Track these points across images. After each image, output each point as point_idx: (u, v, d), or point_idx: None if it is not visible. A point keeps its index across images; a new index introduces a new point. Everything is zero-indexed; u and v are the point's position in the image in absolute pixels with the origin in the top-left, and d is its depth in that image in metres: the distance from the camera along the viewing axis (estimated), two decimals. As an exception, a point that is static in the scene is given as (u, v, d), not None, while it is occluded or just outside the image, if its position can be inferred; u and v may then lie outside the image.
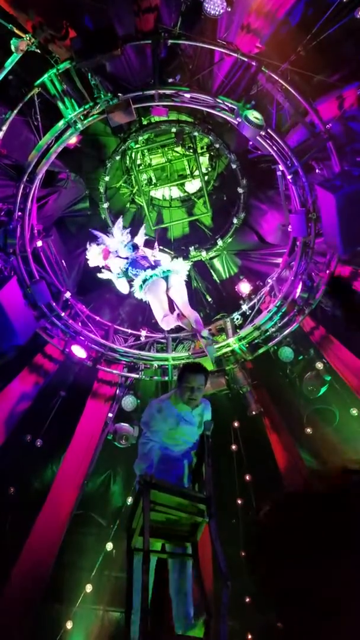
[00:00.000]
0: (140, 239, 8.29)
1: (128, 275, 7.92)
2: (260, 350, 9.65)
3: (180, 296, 7.50)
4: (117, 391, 9.93)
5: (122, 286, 8.17)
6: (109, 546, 8.88)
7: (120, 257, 8.01)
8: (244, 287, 10.21)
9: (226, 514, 8.76)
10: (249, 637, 8.71)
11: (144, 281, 7.49)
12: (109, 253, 8.08)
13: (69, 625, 8.80)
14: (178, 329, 9.92)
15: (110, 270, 8.15)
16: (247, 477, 9.14)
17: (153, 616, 4.09)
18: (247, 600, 8.28)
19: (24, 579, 8.40)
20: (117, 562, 8.45)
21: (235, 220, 10.17)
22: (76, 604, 8.88)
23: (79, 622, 8.91)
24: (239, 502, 9.00)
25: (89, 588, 8.85)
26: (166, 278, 7.51)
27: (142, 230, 8.46)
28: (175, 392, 4.84)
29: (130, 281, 7.89)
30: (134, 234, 8.39)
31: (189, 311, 7.43)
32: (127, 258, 7.95)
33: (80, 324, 9.62)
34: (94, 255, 8.22)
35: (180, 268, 7.70)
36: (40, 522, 8.67)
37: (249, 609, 8.68)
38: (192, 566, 4.24)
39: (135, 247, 8.08)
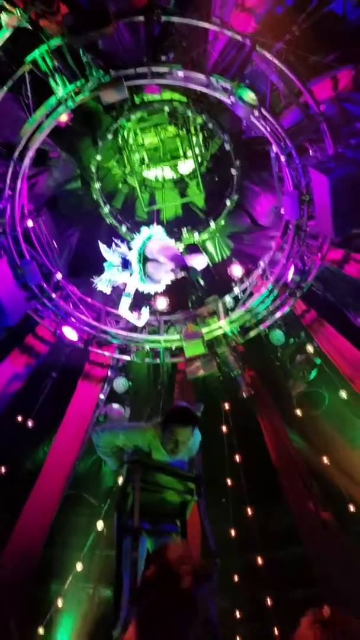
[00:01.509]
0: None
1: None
2: (252, 334, 9.68)
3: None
4: (109, 373, 9.95)
5: (124, 304, 8.17)
6: (100, 525, 8.95)
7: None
8: (236, 270, 10.19)
9: (216, 493, 8.87)
10: (238, 614, 8.87)
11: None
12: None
13: (59, 603, 8.90)
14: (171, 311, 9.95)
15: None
16: (237, 458, 9.23)
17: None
18: (236, 578, 8.44)
19: (15, 558, 8.48)
20: (108, 541, 8.52)
21: (228, 202, 10.11)
22: (67, 582, 8.97)
23: (70, 600, 9.01)
24: (229, 482, 9.10)
25: (79, 566, 8.94)
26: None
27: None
28: (156, 429, 4.37)
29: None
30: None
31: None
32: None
33: (71, 305, 9.58)
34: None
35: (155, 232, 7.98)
36: (32, 501, 8.73)
37: (238, 586, 8.84)
38: None
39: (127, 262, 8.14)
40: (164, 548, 2.31)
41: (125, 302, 8.15)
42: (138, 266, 7.86)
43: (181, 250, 9.14)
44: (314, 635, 2.36)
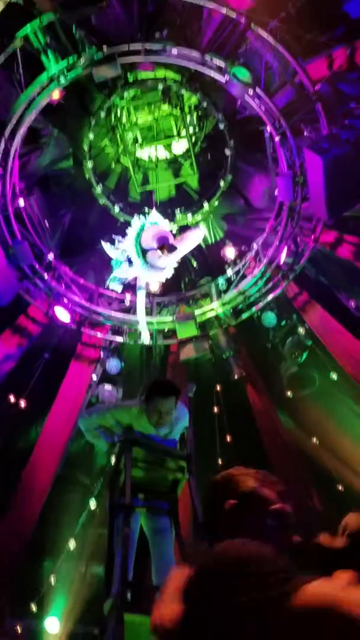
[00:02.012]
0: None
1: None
2: (244, 316, 9.70)
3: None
4: (101, 354, 9.95)
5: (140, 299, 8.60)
6: (93, 504, 9.03)
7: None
8: (229, 252, 10.17)
9: (207, 473, 8.95)
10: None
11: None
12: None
13: (52, 580, 9.01)
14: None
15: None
16: (228, 438, 9.32)
17: (134, 570, 4.21)
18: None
19: (7, 536, 8.56)
20: (101, 519, 8.61)
21: (222, 183, 10.04)
22: (59, 560, 9.07)
23: (63, 577, 9.12)
24: (220, 461, 9.18)
25: (72, 544, 9.03)
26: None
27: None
28: (141, 406, 4.54)
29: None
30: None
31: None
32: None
33: (64, 286, 9.54)
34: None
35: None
36: (25, 480, 8.79)
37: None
38: (171, 521, 4.34)
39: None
40: None
41: (141, 296, 8.23)
42: (139, 259, 7.89)
43: (174, 231, 9.13)
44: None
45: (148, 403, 4.44)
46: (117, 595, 3.63)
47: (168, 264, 8.15)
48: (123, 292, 10.15)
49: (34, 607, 8.89)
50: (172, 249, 7.58)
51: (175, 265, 8.36)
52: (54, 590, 9.08)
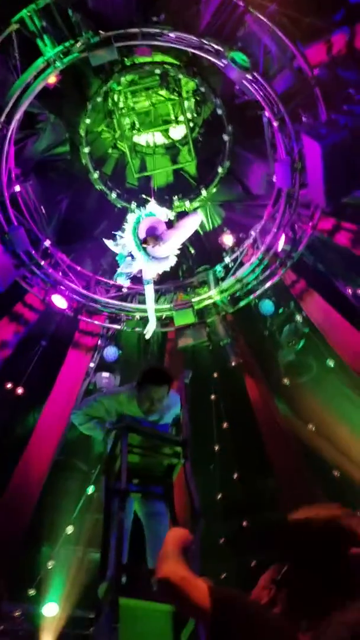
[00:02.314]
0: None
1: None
2: (242, 303, 9.70)
3: None
4: (99, 342, 9.95)
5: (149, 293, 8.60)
6: (90, 490, 9.07)
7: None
8: (227, 239, 10.14)
9: (204, 459, 9.00)
10: (223, 576, 9.10)
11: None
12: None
13: (50, 565, 9.08)
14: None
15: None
16: (225, 425, 9.35)
17: (129, 555, 4.23)
18: (222, 541, 8.63)
19: (5, 522, 8.61)
20: (98, 505, 8.65)
21: (220, 169, 9.97)
22: (57, 545, 9.14)
23: (60, 562, 9.18)
24: (217, 448, 9.23)
25: (69, 529, 9.09)
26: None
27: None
28: (132, 393, 4.53)
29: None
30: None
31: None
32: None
33: (60, 273, 9.51)
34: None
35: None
36: (22, 466, 8.82)
37: (224, 550, 9.05)
38: (167, 505, 4.36)
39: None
40: None
41: (149, 289, 8.23)
42: (139, 252, 7.88)
43: (172, 217, 9.10)
44: (268, 595, 2.39)
45: (140, 390, 4.44)
46: (112, 579, 3.65)
47: (169, 253, 8.13)
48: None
49: (32, 592, 8.97)
50: (158, 239, 7.57)
51: (177, 252, 8.34)
52: (52, 575, 9.15)
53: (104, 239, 8.53)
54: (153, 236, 7.59)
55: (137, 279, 8.75)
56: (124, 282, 8.31)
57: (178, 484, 4.41)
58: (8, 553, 8.55)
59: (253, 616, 2.22)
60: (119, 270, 8.22)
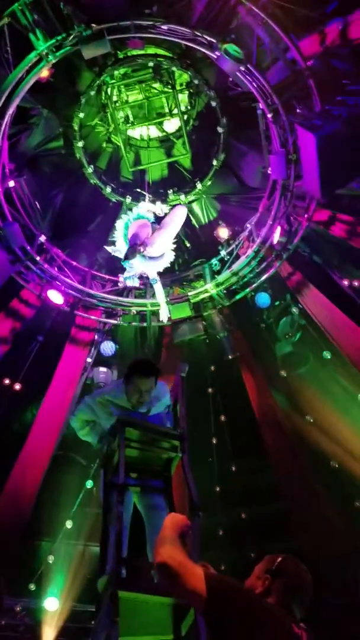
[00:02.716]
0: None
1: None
2: (238, 296, 9.70)
3: None
4: (96, 337, 9.95)
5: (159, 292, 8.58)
6: (89, 484, 9.10)
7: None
8: (223, 232, 10.11)
9: (202, 452, 9.02)
10: (222, 567, 9.15)
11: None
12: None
13: (50, 559, 9.11)
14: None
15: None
16: (222, 418, 9.38)
17: (129, 548, 4.25)
18: (220, 533, 8.67)
19: (5, 517, 8.63)
20: (97, 499, 8.68)
21: (214, 162, 9.93)
22: (57, 540, 9.17)
23: (60, 556, 9.22)
24: (214, 441, 9.26)
25: (69, 524, 9.12)
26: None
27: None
28: (119, 388, 4.60)
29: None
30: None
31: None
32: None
33: (56, 269, 9.49)
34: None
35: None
36: (21, 462, 8.83)
37: (222, 541, 9.10)
38: (166, 499, 4.38)
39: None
40: None
41: (158, 289, 8.21)
42: (134, 254, 7.84)
43: (167, 211, 9.08)
44: (262, 584, 2.45)
45: (128, 382, 4.48)
46: (112, 573, 3.67)
47: (163, 250, 8.09)
48: (116, 275, 10.12)
49: (32, 587, 9.00)
50: (143, 244, 7.53)
51: (173, 247, 8.32)
52: (52, 569, 9.19)
53: (105, 247, 8.52)
54: (136, 244, 7.55)
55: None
56: (134, 283, 8.29)
57: (176, 477, 4.43)
58: (8, 548, 8.58)
59: (249, 603, 2.25)
60: (124, 275, 8.21)
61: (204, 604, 2.17)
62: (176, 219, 7.89)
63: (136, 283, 8.36)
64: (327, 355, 8.98)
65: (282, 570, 2.49)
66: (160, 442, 4.33)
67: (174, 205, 9.47)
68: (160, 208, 8.50)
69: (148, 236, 7.80)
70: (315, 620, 2.66)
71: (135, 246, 7.42)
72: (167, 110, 10.33)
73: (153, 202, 10.18)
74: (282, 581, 2.45)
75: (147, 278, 8.57)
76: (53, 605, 8.87)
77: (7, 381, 9.14)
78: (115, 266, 10.33)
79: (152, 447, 4.34)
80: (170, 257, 8.31)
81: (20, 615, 9.08)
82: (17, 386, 9.12)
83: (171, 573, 2.19)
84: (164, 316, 8.96)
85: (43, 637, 8.82)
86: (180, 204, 9.96)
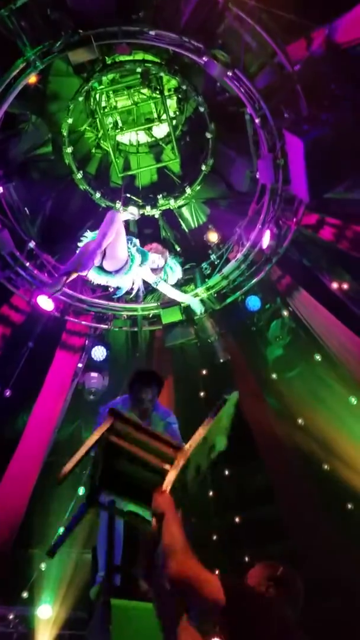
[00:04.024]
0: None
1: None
2: (228, 300, 9.72)
3: None
4: (87, 342, 9.93)
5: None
6: (81, 490, 9.06)
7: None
8: (212, 237, 10.15)
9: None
10: (217, 572, 9.14)
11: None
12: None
13: (42, 567, 9.06)
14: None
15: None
16: (215, 422, 9.36)
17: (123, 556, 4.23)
18: (214, 537, 8.67)
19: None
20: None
21: (203, 167, 9.96)
22: (49, 547, 9.11)
23: (53, 564, 9.17)
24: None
25: (61, 531, 9.07)
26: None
27: None
28: (125, 403, 4.57)
29: None
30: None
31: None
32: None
33: (46, 274, 9.47)
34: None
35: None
36: (12, 469, 8.80)
37: (217, 546, 9.11)
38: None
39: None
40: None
41: (165, 288, 7.64)
42: (101, 275, 7.02)
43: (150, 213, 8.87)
44: (266, 592, 2.48)
45: (131, 392, 4.49)
46: (104, 581, 3.67)
47: (118, 259, 6.78)
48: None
49: (25, 594, 8.95)
50: (85, 267, 6.65)
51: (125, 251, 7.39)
52: (45, 577, 9.14)
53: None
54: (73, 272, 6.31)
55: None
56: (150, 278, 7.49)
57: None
58: (0, 556, 8.53)
59: (266, 608, 2.26)
60: (118, 294, 7.69)
61: (221, 610, 2.15)
62: (104, 227, 6.55)
63: (155, 278, 7.44)
64: (317, 357, 9.03)
65: (284, 580, 2.54)
66: (155, 452, 4.17)
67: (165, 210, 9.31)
68: (134, 212, 7.95)
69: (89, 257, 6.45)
70: (309, 624, 2.68)
71: (69, 273, 6.27)
72: (155, 115, 10.34)
73: (142, 206, 10.22)
74: (284, 590, 2.50)
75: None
76: (46, 613, 8.83)
77: (-3, 388, 9.10)
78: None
79: (146, 453, 4.22)
80: (123, 257, 6.93)
81: (13, 622, 9.02)
82: (8, 392, 9.08)
83: (188, 586, 2.15)
84: (197, 306, 8.50)
85: (37, 645, 8.78)
86: (170, 208, 9.90)
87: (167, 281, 7.42)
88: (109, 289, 9.00)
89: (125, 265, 6.61)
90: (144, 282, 7.27)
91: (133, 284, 6.99)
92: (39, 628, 8.84)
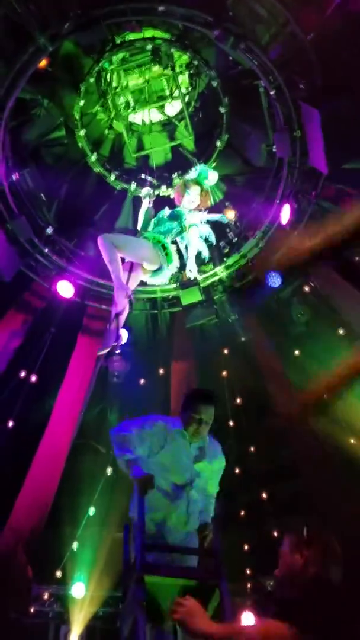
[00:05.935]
0: None
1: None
2: (248, 278, 9.63)
3: None
4: (107, 326, 9.95)
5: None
6: (109, 470, 9.18)
7: None
8: (230, 214, 10.02)
9: (220, 437, 9.04)
10: (246, 547, 9.24)
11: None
12: None
13: (74, 546, 9.25)
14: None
15: None
16: (238, 401, 9.39)
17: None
18: (242, 513, 8.73)
19: (28, 505, 8.76)
20: (118, 485, 8.78)
21: (218, 143, 9.81)
22: (81, 527, 9.29)
23: (85, 543, 9.34)
24: (231, 424, 9.29)
25: (92, 511, 9.24)
26: None
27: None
28: (179, 426, 4.29)
29: None
30: None
31: None
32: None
33: (65, 260, 9.49)
34: None
35: None
36: (41, 452, 8.94)
37: (245, 522, 9.19)
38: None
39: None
40: None
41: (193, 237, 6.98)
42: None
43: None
44: (301, 557, 2.51)
45: (186, 410, 4.29)
46: (137, 558, 3.73)
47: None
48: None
49: (59, 574, 9.16)
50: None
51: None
52: (78, 556, 9.32)
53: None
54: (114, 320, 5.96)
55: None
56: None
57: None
58: (33, 537, 8.72)
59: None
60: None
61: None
62: (103, 255, 5.87)
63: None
64: (340, 331, 8.93)
65: (313, 539, 2.57)
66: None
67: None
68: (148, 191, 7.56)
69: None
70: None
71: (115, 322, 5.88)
72: (167, 93, 10.21)
73: (157, 186, 10.11)
74: (317, 548, 2.53)
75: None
76: (80, 591, 9.02)
77: (23, 374, 9.20)
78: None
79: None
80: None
81: (49, 602, 9.25)
82: (33, 378, 9.19)
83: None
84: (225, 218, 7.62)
85: (73, 622, 8.99)
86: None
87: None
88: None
89: (161, 254, 5.98)
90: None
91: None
92: (74, 606, 9.05)
